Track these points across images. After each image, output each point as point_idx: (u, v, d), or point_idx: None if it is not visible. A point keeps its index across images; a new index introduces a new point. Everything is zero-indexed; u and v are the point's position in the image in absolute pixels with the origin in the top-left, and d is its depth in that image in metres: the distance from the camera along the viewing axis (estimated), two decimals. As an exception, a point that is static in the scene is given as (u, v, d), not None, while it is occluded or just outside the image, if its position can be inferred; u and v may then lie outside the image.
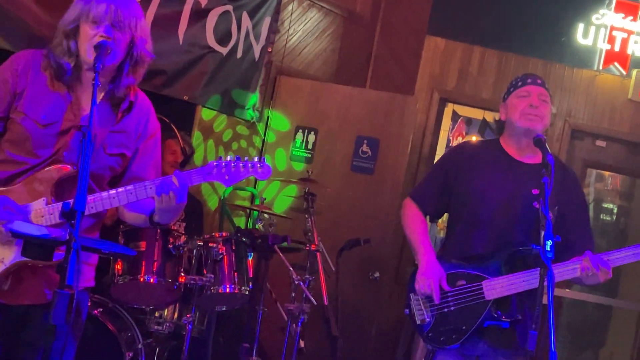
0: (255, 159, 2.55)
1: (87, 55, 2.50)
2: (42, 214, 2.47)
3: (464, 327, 3.17)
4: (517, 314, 3.13)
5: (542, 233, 2.70)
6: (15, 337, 2.55)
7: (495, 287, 3.15)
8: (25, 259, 2.41)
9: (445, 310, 3.21)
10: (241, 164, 2.53)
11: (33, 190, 2.49)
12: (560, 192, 3.23)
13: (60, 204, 2.44)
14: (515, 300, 3.16)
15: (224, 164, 2.51)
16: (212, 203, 5.44)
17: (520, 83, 3.34)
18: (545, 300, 2.67)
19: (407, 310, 3.31)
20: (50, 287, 2.50)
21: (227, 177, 2.52)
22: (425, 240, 3.35)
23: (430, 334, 3.22)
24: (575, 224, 3.30)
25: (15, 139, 2.54)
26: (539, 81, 3.34)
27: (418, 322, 3.25)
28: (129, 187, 2.50)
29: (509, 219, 3.24)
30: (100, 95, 2.59)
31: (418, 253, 3.32)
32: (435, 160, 6.30)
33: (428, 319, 3.23)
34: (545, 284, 2.65)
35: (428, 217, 3.52)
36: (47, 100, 2.54)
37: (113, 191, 2.50)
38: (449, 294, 3.20)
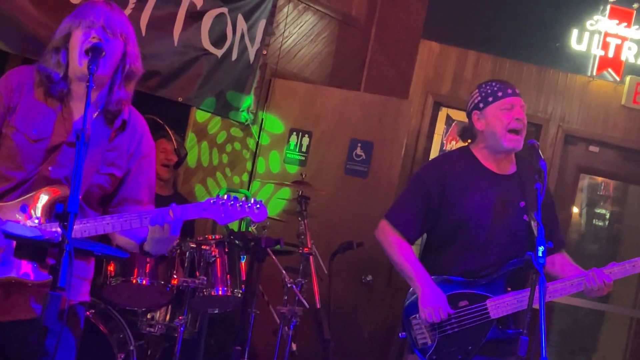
0: (252, 200, 2.55)
1: (79, 62, 2.48)
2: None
3: (470, 347, 3.15)
4: (519, 328, 3.12)
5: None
6: (2, 354, 2.51)
7: (500, 306, 3.14)
8: (7, 276, 2.39)
9: (449, 332, 3.17)
10: (238, 204, 2.52)
11: (26, 208, 2.47)
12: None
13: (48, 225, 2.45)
14: (512, 314, 3.16)
15: (221, 202, 2.51)
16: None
17: (500, 94, 3.27)
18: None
19: (403, 334, 3.25)
20: (38, 301, 2.46)
21: (222, 215, 2.51)
22: (419, 266, 3.26)
23: (434, 356, 3.17)
24: (548, 222, 3.30)
25: (7, 154, 2.52)
26: (517, 91, 3.30)
27: (419, 346, 3.21)
28: (124, 215, 2.49)
29: (505, 236, 3.24)
30: (94, 114, 2.57)
31: (414, 279, 3.24)
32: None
33: (431, 342, 3.18)
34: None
35: None
36: (39, 115, 2.52)
37: (107, 218, 2.48)
38: (452, 316, 3.17)
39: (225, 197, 2.53)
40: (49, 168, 2.51)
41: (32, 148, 2.50)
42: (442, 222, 3.31)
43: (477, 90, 3.37)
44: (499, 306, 3.14)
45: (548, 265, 3.30)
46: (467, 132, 3.40)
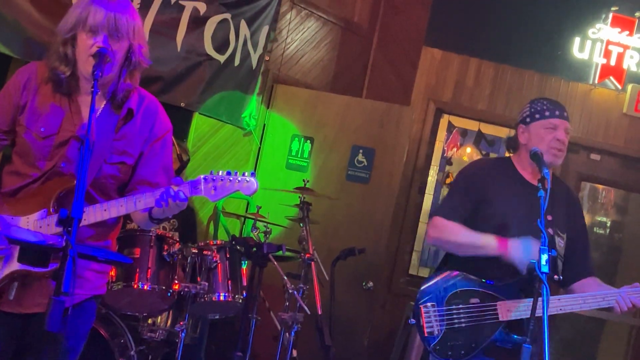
0: (245, 173, 2.49)
1: (85, 65, 2.49)
2: (40, 225, 2.47)
3: (473, 345, 3.17)
4: (528, 337, 3.13)
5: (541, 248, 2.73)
6: (20, 345, 2.55)
7: (511, 309, 3.16)
8: (20, 268, 2.40)
9: (456, 325, 3.20)
10: (229, 179, 2.47)
11: (36, 202, 2.50)
12: (568, 217, 3.29)
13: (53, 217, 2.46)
14: (525, 322, 3.16)
15: (212, 178, 2.47)
16: (208, 210, 5.44)
17: (548, 113, 3.32)
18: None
19: (412, 320, 3.27)
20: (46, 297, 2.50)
21: (213, 192, 2.47)
22: (485, 235, 3.23)
23: (437, 347, 3.20)
24: (580, 247, 3.40)
25: (21, 152, 2.56)
26: (565, 114, 3.34)
27: (426, 334, 3.23)
28: (120, 200, 2.49)
29: None
30: (101, 105, 2.58)
31: (490, 244, 3.18)
32: (434, 171, 6.35)
33: (437, 332, 3.21)
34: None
35: None
36: (47, 112, 2.54)
37: (105, 204, 2.49)
38: (462, 310, 3.20)
39: (219, 172, 2.48)
40: (61, 164, 2.53)
41: (41, 145, 2.52)
42: (479, 221, 3.31)
43: (528, 105, 3.43)
44: (509, 310, 3.16)
45: (576, 288, 3.38)
46: (510, 142, 3.46)
